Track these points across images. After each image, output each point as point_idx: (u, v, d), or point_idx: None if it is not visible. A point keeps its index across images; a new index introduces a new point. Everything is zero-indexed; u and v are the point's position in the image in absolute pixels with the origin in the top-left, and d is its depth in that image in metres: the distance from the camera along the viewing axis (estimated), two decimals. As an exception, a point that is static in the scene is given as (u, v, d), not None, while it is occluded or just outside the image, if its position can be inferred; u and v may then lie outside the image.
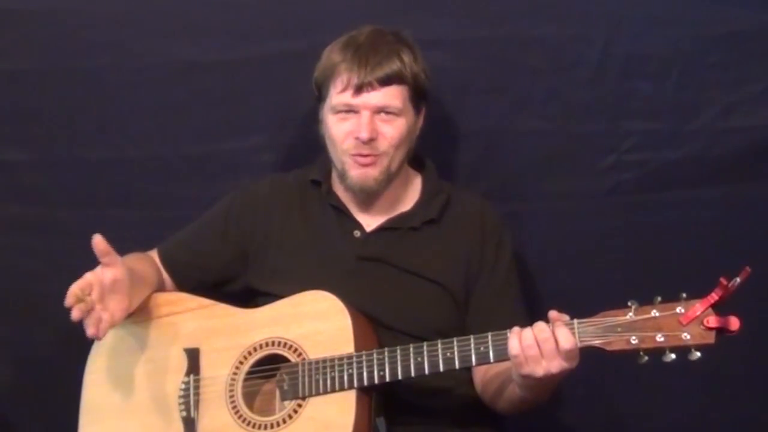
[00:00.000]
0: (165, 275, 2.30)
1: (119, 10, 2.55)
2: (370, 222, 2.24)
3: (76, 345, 2.28)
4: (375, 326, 2.11)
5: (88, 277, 2.04)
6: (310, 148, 2.38)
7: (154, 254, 2.32)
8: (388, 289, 2.18)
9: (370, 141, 2.14)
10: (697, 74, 2.45)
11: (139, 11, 2.55)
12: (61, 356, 2.57)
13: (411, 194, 2.28)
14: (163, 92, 2.57)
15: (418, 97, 2.21)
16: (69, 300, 1.99)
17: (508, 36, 2.49)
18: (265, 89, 2.55)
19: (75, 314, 1.99)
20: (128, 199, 2.60)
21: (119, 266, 2.06)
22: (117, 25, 2.55)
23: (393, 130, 2.16)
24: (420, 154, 2.32)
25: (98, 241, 2.04)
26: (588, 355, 1.91)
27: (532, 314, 2.19)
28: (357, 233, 2.22)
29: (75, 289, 2.01)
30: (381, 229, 2.22)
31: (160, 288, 2.26)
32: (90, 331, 2.02)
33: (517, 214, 2.47)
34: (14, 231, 2.63)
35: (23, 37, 2.57)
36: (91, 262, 2.47)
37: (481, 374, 2.17)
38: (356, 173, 2.17)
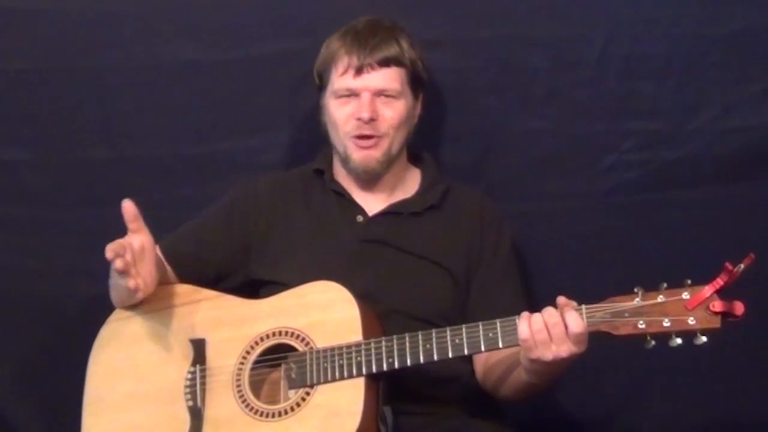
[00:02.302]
0: (168, 268, 2.29)
1: (119, 10, 2.55)
2: (372, 207, 2.27)
3: (76, 344, 2.29)
4: (379, 313, 2.12)
5: (119, 240, 2.06)
6: (310, 148, 2.39)
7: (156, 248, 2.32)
8: (392, 271, 2.21)
9: (371, 121, 2.20)
10: (697, 74, 2.46)
11: (139, 11, 2.55)
12: (60, 356, 2.58)
13: (411, 184, 2.32)
14: (163, 92, 2.58)
15: (416, 82, 2.26)
16: (109, 254, 2.02)
17: (508, 36, 2.49)
18: (265, 89, 2.55)
19: (119, 264, 2.02)
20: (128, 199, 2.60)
21: (146, 234, 2.10)
22: (117, 25, 2.55)
23: (393, 112, 2.22)
24: (418, 150, 2.34)
25: (128, 206, 2.09)
26: (589, 345, 1.92)
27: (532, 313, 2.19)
28: (360, 218, 2.26)
29: (112, 245, 2.03)
30: (383, 214, 2.26)
31: (165, 280, 2.26)
32: (131, 283, 2.04)
33: (517, 214, 2.47)
34: (14, 231, 2.63)
35: (23, 37, 2.57)
36: (90, 261, 2.48)
37: (482, 361, 2.18)
38: (359, 156, 2.22)
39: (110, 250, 2.02)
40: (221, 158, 2.58)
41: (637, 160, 2.49)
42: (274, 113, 2.55)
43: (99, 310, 2.28)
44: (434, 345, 2.00)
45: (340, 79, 2.22)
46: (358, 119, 2.20)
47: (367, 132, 2.20)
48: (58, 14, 2.55)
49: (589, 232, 2.52)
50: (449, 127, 2.52)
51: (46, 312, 2.63)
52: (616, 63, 2.47)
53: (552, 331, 1.91)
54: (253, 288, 2.26)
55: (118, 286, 2.19)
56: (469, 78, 2.51)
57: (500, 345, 1.98)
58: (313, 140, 2.38)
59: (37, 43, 2.57)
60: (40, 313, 2.63)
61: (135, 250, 2.07)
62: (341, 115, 2.22)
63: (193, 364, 2.14)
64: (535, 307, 2.23)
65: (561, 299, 1.94)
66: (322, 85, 2.28)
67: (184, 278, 2.28)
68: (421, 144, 2.35)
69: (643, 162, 2.49)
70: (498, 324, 1.98)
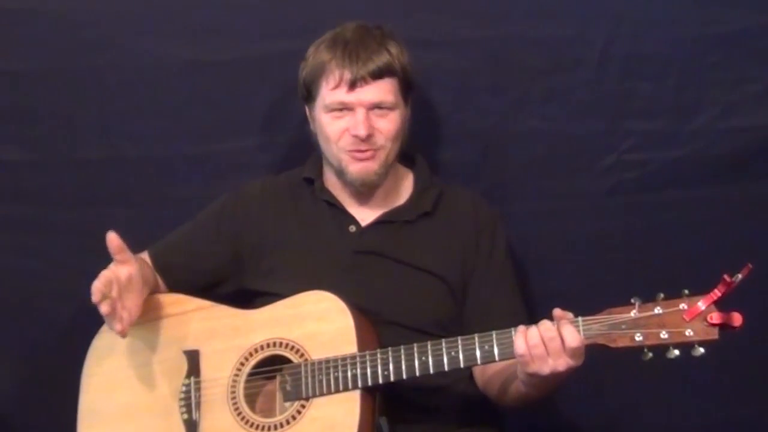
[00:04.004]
0: (158, 277, 2.28)
1: (119, 10, 2.55)
2: (364, 217, 2.25)
3: (76, 345, 2.29)
4: (375, 323, 2.11)
5: (107, 274, 2.05)
6: (308, 149, 2.38)
7: (145, 256, 2.30)
8: (386, 282, 2.19)
9: (368, 137, 2.15)
10: (697, 74, 2.45)
11: (139, 11, 2.55)
12: (61, 356, 2.57)
13: (404, 189, 2.29)
14: (163, 92, 2.57)
15: (407, 88, 2.23)
16: (96, 296, 2.01)
17: (508, 36, 2.49)
18: (265, 89, 2.55)
19: (105, 309, 2.01)
20: (128, 199, 2.60)
21: (133, 263, 2.09)
22: (117, 25, 2.55)
23: (389, 124, 2.18)
24: (410, 151, 2.32)
25: (112, 238, 2.08)
26: (587, 353, 1.92)
27: (532, 314, 2.19)
28: (352, 228, 2.23)
29: (99, 285, 2.02)
30: (376, 223, 2.24)
31: (155, 290, 2.25)
32: (117, 327, 2.04)
33: (517, 214, 2.47)
34: (14, 231, 2.63)
35: (23, 37, 2.57)
36: (91, 261, 2.48)
37: (480, 372, 2.18)
38: (356, 168, 2.18)
39: (97, 291, 2.00)
40: (221, 158, 2.58)
41: (637, 160, 2.49)
42: (272, 113, 2.55)
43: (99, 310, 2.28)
44: (430, 357, 1.99)
45: (332, 93, 2.16)
46: (354, 136, 2.15)
47: (363, 147, 2.16)
48: (58, 14, 2.55)
49: (589, 231, 2.52)
50: (449, 127, 2.51)
51: (46, 312, 2.63)
52: (616, 63, 2.46)
53: (549, 345, 1.89)
54: (247, 296, 2.25)
55: None
56: (469, 78, 2.51)
57: (496, 358, 1.97)
58: (311, 141, 2.37)
59: (37, 43, 2.57)
60: (40, 313, 2.63)
61: (122, 282, 2.06)
62: (335, 130, 2.18)
63: (188, 375, 2.13)
64: (533, 308, 2.25)
65: (557, 312, 1.92)
66: (310, 97, 2.23)
67: (175, 287, 2.27)
68: (420, 144, 2.35)
69: (643, 162, 2.49)
70: (494, 336, 1.96)
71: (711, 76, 2.45)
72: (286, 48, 2.50)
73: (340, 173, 2.21)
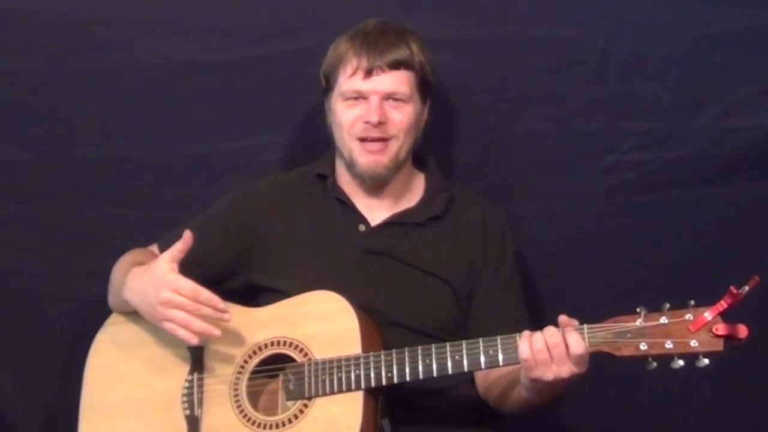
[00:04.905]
0: None
1: (119, 10, 2.55)
2: (374, 217, 2.24)
3: (76, 345, 2.29)
4: (379, 324, 2.11)
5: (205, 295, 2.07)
6: (310, 148, 2.39)
7: (154, 249, 2.31)
8: (392, 283, 2.19)
9: (380, 124, 2.16)
10: (697, 74, 2.46)
11: (139, 11, 2.55)
12: (60, 356, 2.58)
13: (415, 191, 2.29)
14: (163, 92, 2.58)
15: (425, 86, 2.24)
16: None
17: (508, 36, 2.49)
18: (265, 89, 2.55)
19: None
20: (128, 199, 2.60)
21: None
22: (117, 25, 2.55)
23: (402, 116, 2.19)
24: (422, 153, 2.32)
25: (189, 237, 2.08)
26: (591, 359, 1.91)
27: (533, 314, 2.20)
28: (362, 227, 2.23)
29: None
30: (386, 224, 2.24)
31: None
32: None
33: (517, 214, 2.47)
34: (14, 231, 2.63)
35: (23, 37, 2.57)
36: (91, 261, 2.49)
37: (482, 377, 2.17)
38: (366, 160, 2.19)
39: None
40: (221, 158, 2.58)
41: (637, 160, 2.49)
42: (274, 113, 2.55)
43: (99, 310, 2.28)
44: (434, 361, 1.99)
45: (349, 80, 2.19)
46: (367, 122, 2.16)
47: (375, 135, 2.17)
48: (58, 14, 2.55)
49: (589, 231, 2.52)
50: (449, 127, 2.52)
51: (46, 312, 2.63)
52: (616, 63, 2.47)
53: (553, 351, 1.89)
54: (252, 292, 2.25)
55: (117, 291, 2.19)
56: (469, 78, 2.51)
57: (500, 363, 1.97)
58: (313, 140, 2.38)
59: (37, 43, 2.57)
60: (40, 313, 2.63)
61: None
62: (348, 118, 2.19)
63: (191, 372, 2.13)
64: (535, 312, 2.24)
65: (563, 318, 1.92)
66: (328, 88, 2.24)
67: None
68: (421, 143, 2.35)
69: (643, 162, 2.49)
70: (498, 341, 1.96)
71: (711, 76, 2.45)
72: (286, 48, 2.51)
73: (351, 165, 2.22)
